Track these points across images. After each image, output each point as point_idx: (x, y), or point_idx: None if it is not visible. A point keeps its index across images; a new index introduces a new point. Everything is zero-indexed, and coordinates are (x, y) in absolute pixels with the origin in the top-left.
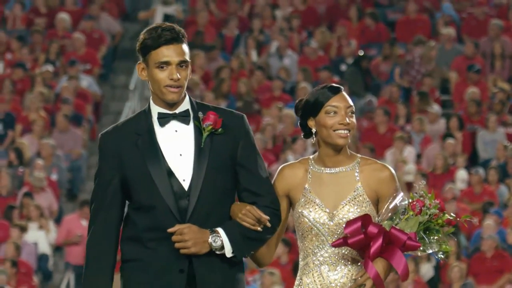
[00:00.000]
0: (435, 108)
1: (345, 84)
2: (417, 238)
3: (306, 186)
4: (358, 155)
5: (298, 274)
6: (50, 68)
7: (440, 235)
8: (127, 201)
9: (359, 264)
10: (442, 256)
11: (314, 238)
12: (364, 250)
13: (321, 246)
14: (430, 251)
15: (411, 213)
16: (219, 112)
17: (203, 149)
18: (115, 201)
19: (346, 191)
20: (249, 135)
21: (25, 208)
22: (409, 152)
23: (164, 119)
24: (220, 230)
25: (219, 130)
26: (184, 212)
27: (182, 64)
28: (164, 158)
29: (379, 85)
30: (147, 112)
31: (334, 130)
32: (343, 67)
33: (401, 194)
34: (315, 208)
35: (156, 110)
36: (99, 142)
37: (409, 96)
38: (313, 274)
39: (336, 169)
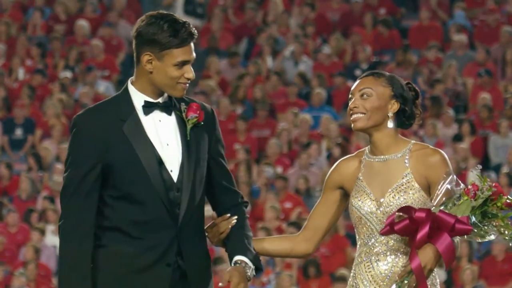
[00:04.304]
0: (450, 112)
1: None
2: (470, 223)
3: (359, 175)
4: (412, 140)
5: (353, 265)
6: (69, 74)
7: (499, 220)
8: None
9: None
10: (507, 239)
11: (364, 228)
12: (413, 238)
13: (371, 236)
14: (491, 237)
15: (465, 198)
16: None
17: (190, 141)
18: (95, 189)
19: (394, 179)
20: (219, 129)
21: (45, 212)
22: None
23: (148, 108)
24: (244, 258)
25: (201, 123)
26: (175, 205)
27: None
28: (154, 146)
29: None
30: (127, 98)
31: (350, 116)
32: (358, 72)
33: (454, 178)
34: (364, 197)
35: (141, 97)
36: (76, 126)
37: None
38: (364, 265)
39: (386, 156)
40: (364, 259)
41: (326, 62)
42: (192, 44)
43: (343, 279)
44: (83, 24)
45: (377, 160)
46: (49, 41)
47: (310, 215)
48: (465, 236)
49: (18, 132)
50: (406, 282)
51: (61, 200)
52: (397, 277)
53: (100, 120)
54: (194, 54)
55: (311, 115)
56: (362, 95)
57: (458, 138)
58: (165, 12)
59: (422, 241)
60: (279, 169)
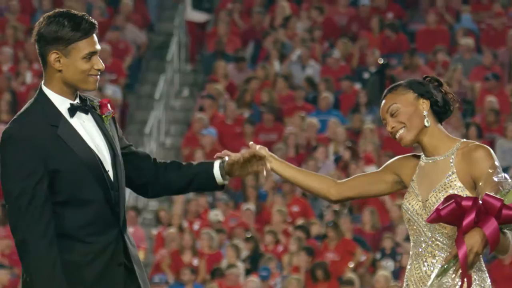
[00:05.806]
0: (457, 115)
1: (366, 92)
2: None
3: (413, 177)
4: (462, 139)
5: (407, 265)
6: None
7: None
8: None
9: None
10: None
11: (413, 230)
12: (459, 225)
13: (419, 237)
14: None
15: None
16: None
17: (112, 138)
18: (48, 197)
19: (438, 179)
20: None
21: None
22: None
23: (72, 110)
24: (219, 162)
25: (112, 117)
26: (116, 204)
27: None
28: (91, 148)
29: None
30: (48, 102)
31: (395, 138)
32: (366, 75)
33: (501, 172)
34: (412, 198)
35: (62, 100)
36: (12, 138)
37: None
38: (414, 266)
39: (435, 157)
40: (414, 261)
41: (334, 66)
42: (95, 35)
43: (351, 283)
44: None
45: (428, 161)
46: None
47: (356, 175)
48: None
49: None
50: (451, 264)
51: (16, 212)
52: (443, 261)
53: (33, 128)
54: (99, 46)
55: (318, 119)
56: (392, 114)
57: None
58: (61, 9)
59: (469, 226)
60: None
